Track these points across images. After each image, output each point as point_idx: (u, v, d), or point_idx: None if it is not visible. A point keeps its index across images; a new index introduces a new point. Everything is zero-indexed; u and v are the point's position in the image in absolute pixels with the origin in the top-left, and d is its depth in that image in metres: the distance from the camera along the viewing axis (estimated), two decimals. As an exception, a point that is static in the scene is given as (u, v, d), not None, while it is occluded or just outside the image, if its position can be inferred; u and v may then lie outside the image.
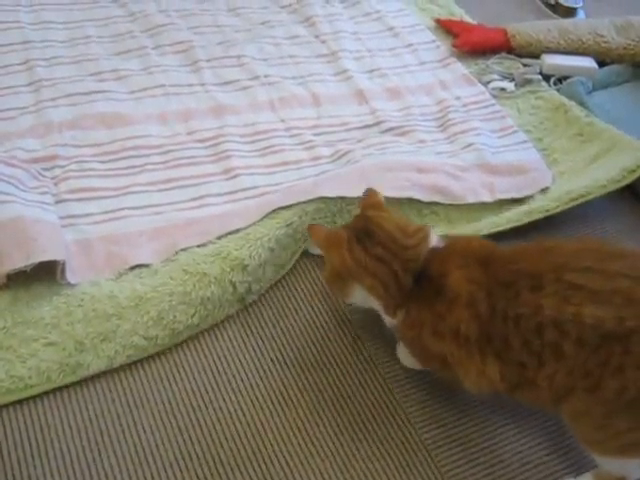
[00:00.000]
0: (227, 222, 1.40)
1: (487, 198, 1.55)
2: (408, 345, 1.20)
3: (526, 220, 1.49)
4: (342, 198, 1.44)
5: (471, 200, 1.54)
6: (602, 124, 1.73)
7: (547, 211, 1.50)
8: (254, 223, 1.39)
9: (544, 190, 1.59)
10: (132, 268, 1.32)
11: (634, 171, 1.55)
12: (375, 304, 1.16)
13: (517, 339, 1.01)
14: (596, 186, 1.53)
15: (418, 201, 1.49)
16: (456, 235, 1.19)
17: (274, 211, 1.40)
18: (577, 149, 1.69)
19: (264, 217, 1.40)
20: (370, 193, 1.25)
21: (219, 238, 1.37)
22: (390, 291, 1.12)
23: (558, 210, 1.50)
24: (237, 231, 1.38)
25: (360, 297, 1.17)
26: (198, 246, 1.36)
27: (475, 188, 1.56)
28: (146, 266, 1.32)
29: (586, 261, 1.00)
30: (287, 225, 1.37)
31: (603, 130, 1.69)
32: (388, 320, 1.18)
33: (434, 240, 1.15)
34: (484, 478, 1.14)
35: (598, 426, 1.02)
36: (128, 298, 1.24)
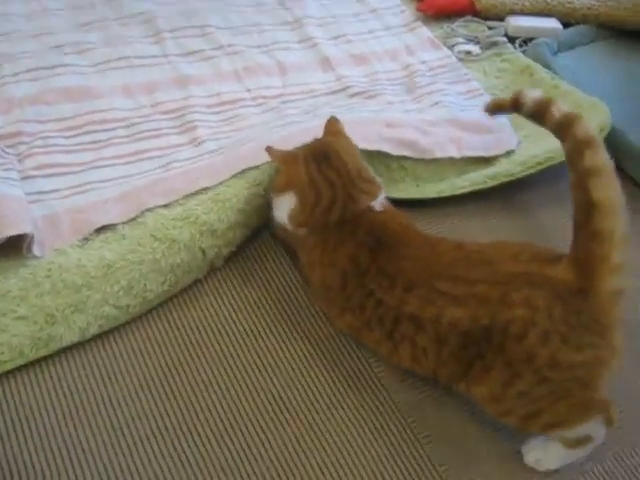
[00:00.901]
0: (193, 179, 1.37)
1: (455, 154, 1.56)
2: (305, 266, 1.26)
3: (490, 183, 1.51)
4: None
5: (439, 155, 1.54)
6: (567, 86, 1.73)
7: (512, 175, 1.52)
8: (221, 183, 1.36)
9: (509, 153, 1.60)
10: (98, 232, 1.29)
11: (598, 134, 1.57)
12: (286, 210, 1.21)
13: (373, 313, 1.13)
14: (561, 150, 1.53)
15: (387, 155, 1.49)
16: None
17: (242, 171, 1.38)
18: (542, 112, 1.70)
19: (232, 177, 1.37)
20: (332, 120, 1.29)
21: (186, 198, 1.34)
22: (316, 210, 1.18)
23: (523, 174, 1.52)
24: (205, 192, 1.35)
25: (282, 206, 1.23)
26: (165, 206, 1.33)
27: (443, 143, 1.56)
28: (112, 230, 1.30)
29: (457, 270, 1.09)
30: (256, 185, 1.35)
31: (568, 92, 1.70)
32: (285, 225, 1.23)
33: (379, 200, 1.20)
34: (457, 437, 1.16)
35: (506, 411, 1.09)
36: (96, 267, 1.22)
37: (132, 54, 1.69)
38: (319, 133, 1.29)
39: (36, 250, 1.25)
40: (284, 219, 1.23)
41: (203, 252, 1.29)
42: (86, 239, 1.29)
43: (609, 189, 0.99)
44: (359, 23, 1.93)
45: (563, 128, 1.04)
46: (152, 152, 1.48)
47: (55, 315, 1.17)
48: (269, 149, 1.27)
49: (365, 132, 1.45)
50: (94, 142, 1.48)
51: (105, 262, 1.23)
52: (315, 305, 1.31)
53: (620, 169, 1.65)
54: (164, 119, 1.56)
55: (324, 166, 1.19)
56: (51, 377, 1.15)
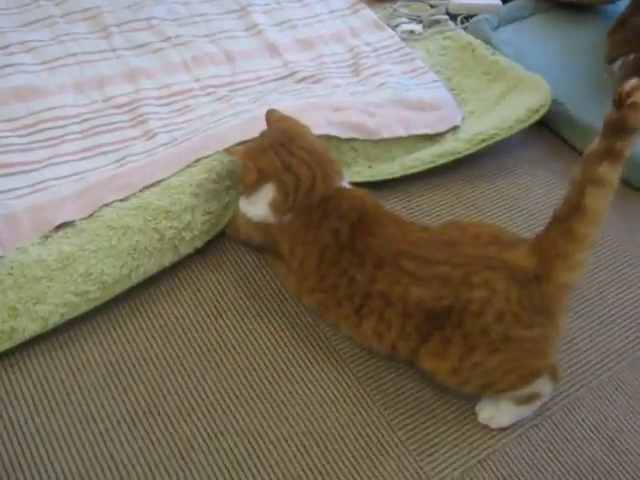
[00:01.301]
0: (148, 174, 1.41)
1: (402, 132, 1.62)
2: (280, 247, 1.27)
3: (439, 162, 1.57)
4: None
5: (386, 135, 1.60)
6: (507, 62, 1.79)
7: (458, 153, 1.58)
8: (175, 174, 1.40)
9: (455, 130, 1.66)
10: (57, 229, 1.33)
11: (538, 111, 1.64)
12: (266, 203, 1.22)
13: (345, 291, 1.17)
14: (504, 127, 1.61)
15: (337, 138, 1.53)
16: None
17: (195, 161, 1.42)
18: (485, 88, 1.76)
19: (185, 167, 1.41)
20: (270, 112, 1.31)
21: (142, 191, 1.38)
22: (299, 193, 1.21)
23: (469, 152, 1.58)
24: (159, 183, 1.39)
25: (260, 201, 1.23)
26: (121, 200, 1.37)
27: (390, 124, 1.61)
28: (71, 226, 1.33)
29: (421, 250, 1.14)
30: (208, 170, 1.39)
31: (508, 68, 1.76)
32: (267, 219, 1.24)
33: (346, 180, 1.26)
34: (414, 402, 1.23)
35: (464, 380, 1.15)
36: (56, 260, 1.26)
37: (80, 50, 1.71)
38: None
39: (-1, 250, 1.28)
40: (265, 213, 1.23)
41: (159, 233, 1.30)
42: (46, 236, 1.32)
43: (603, 202, 1.03)
44: (303, 8, 1.96)
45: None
46: (106, 147, 1.51)
47: (17, 308, 1.20)
48: (230, 151, 1.30)
49: (313, 117, 1.49)
50: (48, 139, 1.50)
51: (64, 255, 1.26)
52: (283, 284, 1.36)
53: (560, 137, 1.73)
54: (116, 113, 1.58)
55: (293, 149, 1.22)
56: (20, 369, 1.19)
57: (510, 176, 1.64)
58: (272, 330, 1.29)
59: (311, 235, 1.20)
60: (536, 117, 1.64)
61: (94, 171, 1.45)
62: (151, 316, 1.29)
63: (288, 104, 1.53)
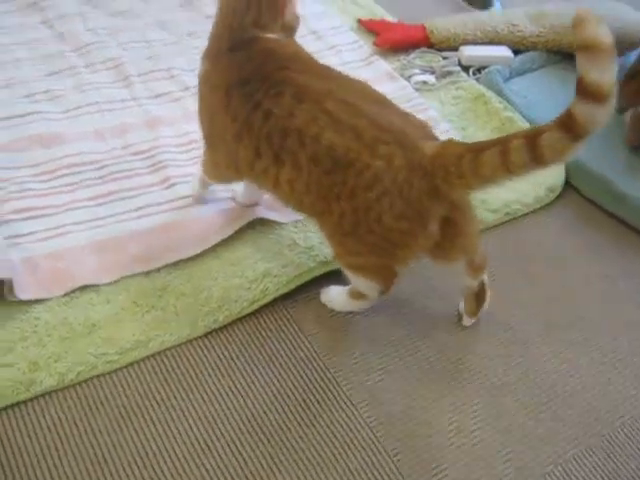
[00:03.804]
0: (173, 247, 1.44)
1: None
2: (199, 98, 1.35)
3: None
4: None
5: None
6: (520, 120, 1.83)
7: (487, 224, 1.61)
8: (198, 254, 1.44)
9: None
10: (82, 290, 1.36)
11: (555, 190, 1.70)
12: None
13: (261, 130, 1.20)
14: (527, 203, 1.67)
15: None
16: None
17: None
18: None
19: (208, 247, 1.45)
20: None
21: (166, 268, 1.42)
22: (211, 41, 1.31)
23: (495, 223, 1.63)
24: (179, 263, 1.43)
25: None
26: (146, 274, 1.40)
27: None
28: (96, 291, 1.36)
29: (349, 96, 1.17)
30: (231, 265, 1.43)
31: (522, 128, 1.79)
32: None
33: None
34: (422, 448, 1.23)
35: (337, 243, 1.24)
36: (82, 325, 1.30)
37: (102, 99, 1.76)
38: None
39: (18, 293, 1.31)
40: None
41: (182, 313, 1.35)
42: (70, 296, 1.35)
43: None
44: (319, 60, 1.99)
45: None
46: (124, 193, 1.54)
47: (38, 363, 1.24)
48: None
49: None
50: (68, 185, 1.54)
51: (91, 321, 1.32)
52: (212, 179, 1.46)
53: (568, 183, 1.75)
54: (135, 160, 1.63)
55: None
56: (35, 411, 1.20)
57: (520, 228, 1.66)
58: (283, 374, 1.30)
59: (214, 79, 1.28)
60: (554, 196, 1.70)
61: (112, 218, 1.49)
62: (164, 357, 1.30)
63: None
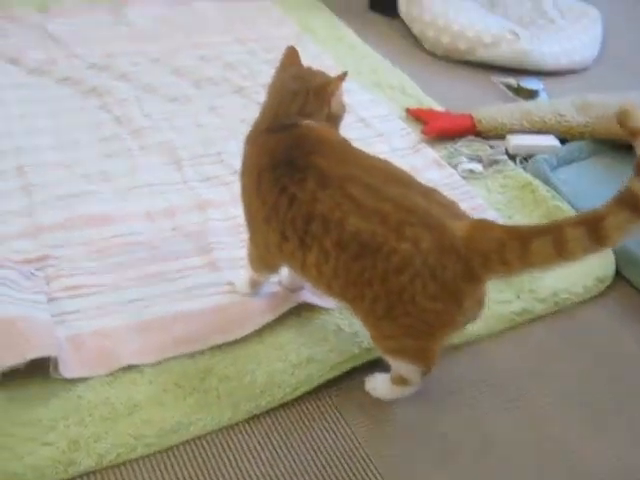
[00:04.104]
0: (217, 329, 1.44)
1: None
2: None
3: (518, 320, 1.55)
4: None
5: None
6: (568, 210, 1.82)
7: (536, 314, 1.57)
8: (242, 338, 1.43)
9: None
10: (125, 370, 1.36)
11: (604, 281, 1.66)
12: None
13: (286, 214, 1.21)
14: (576, 293, 1.61)
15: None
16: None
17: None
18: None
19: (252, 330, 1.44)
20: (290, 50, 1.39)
21: (209, 347, 1.41)
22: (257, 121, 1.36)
23: (543, 313, 1.58)
24: (230, 343, 1.42)
25: None
26: (189, 356, 1.40)
27: None
28: (139, 371, 1.36)
29: (372, 179, 1.18)
30: (275, 349, 1.42)
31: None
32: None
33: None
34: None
35: (372, 326, 1.22)
36: (124, 405, 1.29)
37: (153, 181, 1.81)
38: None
39: (62, 371, 1.31)
40: None
41: (224, 398, 1.33)
42: (113, 375, 1.35)
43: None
44: (366, 147, 2.00)
45: None
46: (171, 274, 1.56)
47: (79, 442, 1.23)
48: None
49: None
50: (117, 264, 1.57)
51: (133, 402, 1.30)
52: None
53: (622, 277, 1.71)
54: (184, 241, 1.65)
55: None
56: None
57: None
58: (325, 464, 1.27)
59: (251, 160, 1.32)
60: (604, 286, 1.65)
61: (158, 298, 1.50)
62: (204, 443, 1.28)
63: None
